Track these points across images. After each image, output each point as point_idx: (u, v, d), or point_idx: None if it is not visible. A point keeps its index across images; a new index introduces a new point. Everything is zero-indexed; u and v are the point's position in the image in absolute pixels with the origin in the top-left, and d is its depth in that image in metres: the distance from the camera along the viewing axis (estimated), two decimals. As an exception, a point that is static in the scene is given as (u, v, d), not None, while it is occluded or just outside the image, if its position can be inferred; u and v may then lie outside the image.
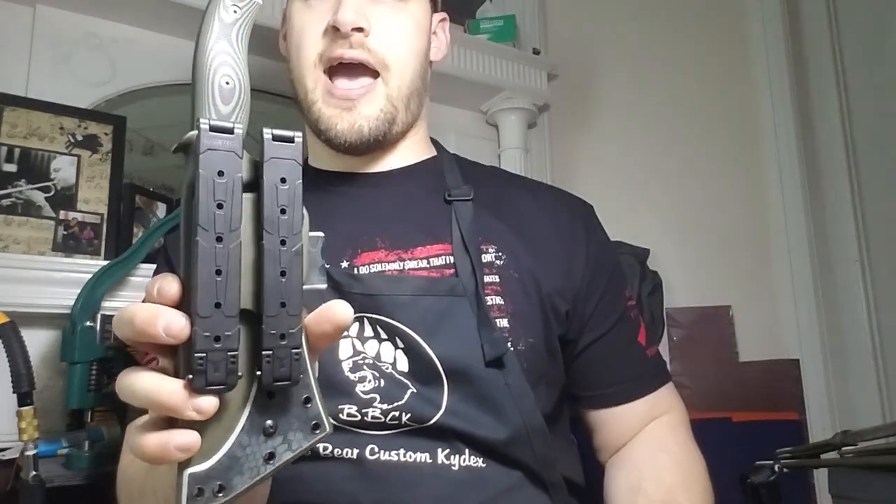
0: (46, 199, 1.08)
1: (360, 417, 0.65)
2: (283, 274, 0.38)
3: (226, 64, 0.40)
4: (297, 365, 0.38)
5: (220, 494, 0.38)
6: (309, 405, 0.40)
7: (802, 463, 0.99)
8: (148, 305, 0.37)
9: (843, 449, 0.89)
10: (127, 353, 1.02)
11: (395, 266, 0.71)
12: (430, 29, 0.83)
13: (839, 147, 1.85)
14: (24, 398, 0.83)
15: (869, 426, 0.88)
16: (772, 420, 1.68)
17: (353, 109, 0.73)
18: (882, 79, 1.80)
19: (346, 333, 0.67)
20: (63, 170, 1.11)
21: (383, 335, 0.68)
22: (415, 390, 0.66)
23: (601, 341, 0.77)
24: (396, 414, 0.65)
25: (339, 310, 0.40)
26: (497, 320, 0.69)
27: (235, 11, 0.41)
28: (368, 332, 0.68)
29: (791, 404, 1.71)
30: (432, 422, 0.65)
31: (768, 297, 1.82)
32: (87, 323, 0.98)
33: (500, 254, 0.74)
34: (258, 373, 0.38)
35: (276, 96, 1.44)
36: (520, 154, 1.68)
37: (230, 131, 0.38)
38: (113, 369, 1.00)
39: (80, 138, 1.13)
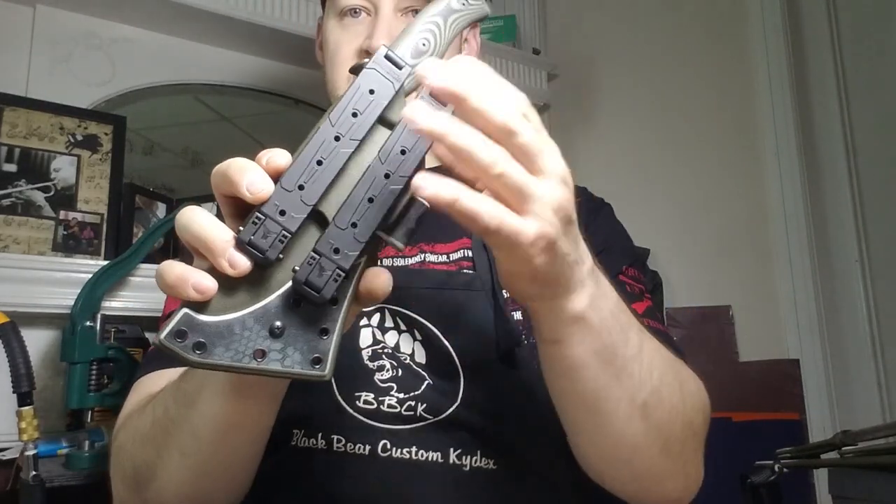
0: (46, 199, 1.08)
1: (376, 406, 0.65)
2: (370, 200, 0.40)
3: (431, 32, 0.45)
4: (332, 284, 0.39)
5: (197, 352, 0.38)
6: (323, 337, 0.40)
7: (802, 463, 0.99)
8: (246, 160, 0.39)
9: (843, 449, 0.89)
10: (127, 353, 1.02)
11: (417, 259, 0.73)
12: (461, 39, 0.85)
13: (839, 147, 1.85)
14: (24, 398, 0.83)
15: (869, 426, 0.89)
16: (772, 420, 1.68)
17: None
18: (882, 79, 1.80)
19: (367, 322, 0.69)
20: (63, 170, 1.11)
21: (403, 326, 0.69)
22: (431, 382, 0.67)
23: None
24: (412, 404, 0.65)
25: (381, 277, 0.41)
26: (513, 313, 0.70)
27: (463, 5, 0.47)
28: (389, 322, 0.69)
29: (791, 404, 1.71)
30: (447, 414, 0.65)
31: (768, 297, 1.82)
32: (87, 323, 0.98)
33: None
34: (296, 268, 0.39)
35: (276, 96, 1.44)
36: (520, 154, 1.69)
37: (399, 66, 0.42)
38: (113, 369, 1.01)
39: (80, 138, 1.13)
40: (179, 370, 0.54)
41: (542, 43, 1.81)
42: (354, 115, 0.40)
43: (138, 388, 0.68)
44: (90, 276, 1.01)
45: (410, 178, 0.40)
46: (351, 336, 0.68)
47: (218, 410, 0.52)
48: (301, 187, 0.39)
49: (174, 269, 0.38)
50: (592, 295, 0.46)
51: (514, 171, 0.38)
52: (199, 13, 1.24)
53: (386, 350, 0.68)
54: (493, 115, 0.38)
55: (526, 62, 1.68)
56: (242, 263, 0.38)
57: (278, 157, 0.39)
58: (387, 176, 0.40)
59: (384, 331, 0.69)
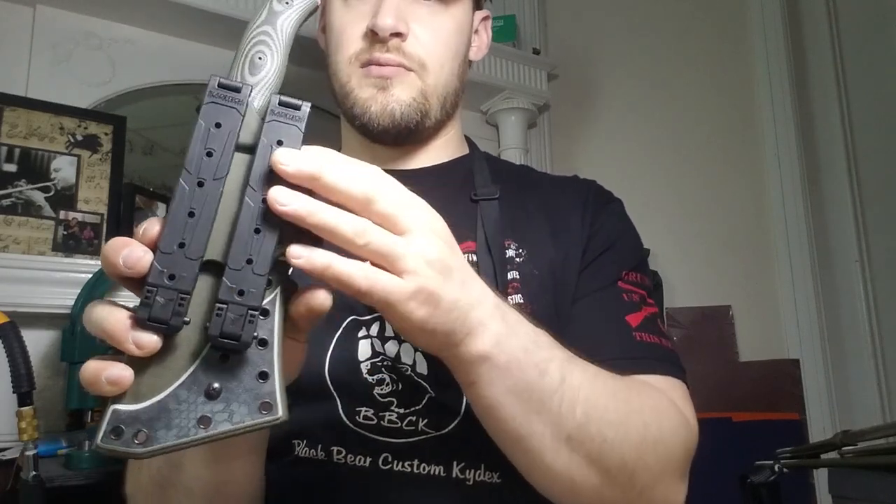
0: (46, 199, 1.08)
1: (376, 421, 0.64)
2: (256, 231, 0.38)
3: (263, 43, 0.43)
4: (250, 327, 0.37)
5: (137, 442, 0.36)
6: (264, 381, 0.38)
7: (802, 463, 0.99)
8: (121, 238, 0.38)
9: (843, 449, 0.89)
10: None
11: None
12: (471, 29, 0.82)
13: (839, 147, 1.85)
14: (24, 398, 0.83)
15: (869, 426, 0.89)
16: (772, 420, 1.68)
17: (387, 90, 0.72)
18: (882, 79, 1.80)
19: (366, 333, 0.67)
20: (63, 170, 1.11)
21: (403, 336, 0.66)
22: (433, 394, 0.64)
23: (577, 305, 0.70)
24: (413, 419, 0.64)
25: (319, 295, 0.41)
26: None
27: (287, 4, 0.44)
28: (389, 331, 0.67)
29: (791, 404, 1.71)
30: (449, 429, 0.63)
31: (768, 297, 1.82)
32: (87, 323, 0.98)
33: (521, 250, 0.72)
34: (207, 325, 0.37)
35: (276, 96, 1.44)
36: (520, 154, 1.69)
37: (237, 90, 0.40)
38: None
39: (80, 138, 1.13)
40: None
41: (542, 43, 1.81)
42: (210, 154, 0.39)
43: None
44: (90, 276, 1.01)
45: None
46: (350, 349, 0.66)
47: (204, 472, 0.52)
48: (182, 245, 0.37)
49: (88, 367, 0.37)
50: (497, 334, 0.47)
51: (379, 237, 0.40)
52: (199, 13, 1.24)
53: (386, 363, 0.66)
54: (349, 187, 0.39)
55: (526, 62, 1.68)
56: (149, 341, 0.36)
57: (152, 226, 0.38)
58: (265, 201, 0.38)
59: (384, 340, 0.67)
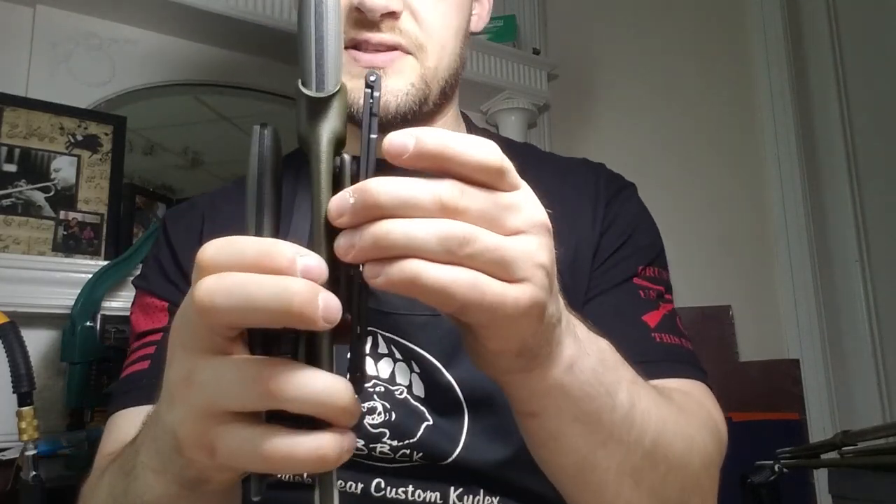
0: (46, 199, 1.08)
1: (367, 452, 0.60)
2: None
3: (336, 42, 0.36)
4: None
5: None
6: None
7: (802, 463, 0.99)
8: (302, 281, 0.29)
9: (843, 449, 0.89)
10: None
11: None
12: None
13: (839, 147, 1.85)
14: (24, 398, 0.83)
15: (869, 426, 0.89)
16: (772, 420, 1.68)
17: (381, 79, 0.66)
18: (882, 79, 1.80)
19: None
20: (63, 170, 1.11)
21: (398, 355, 0.62)
22: (431, 422, 0.60)
23: (590, 304, 0.65)
24: (407, 452, 0.59)
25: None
26: None
27: None
28: (382, 348, 0.63)
29: (791, 404, 1.71)
30: (448, 461, 0.59)
31: (768, 297, 1.82)
32: (87, 323, 0.98)
33: None
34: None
35: (276, 96, 1.44)
36: (520, 154, 1.69)
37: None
38: (113, 369, 1.01)
39: (80, 138, 1.13)
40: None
41: (542, 43, 1.81)
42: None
43: (115, 424, 0.62)
44: (90, 276, 1.01)
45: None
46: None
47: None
48: None
49: (306, 442, 0.31)
50: (572, 356, 0.39)
51: (487, 241, 0.31)
52: (199, 13, 1.24)
53: (378, 387, 0.61)
54: (477, 155, 0.30)
55: (526, 62, 1.68)
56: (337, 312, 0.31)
57: (320, 265, 0.30)
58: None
59: (377, 359, 0.62)
